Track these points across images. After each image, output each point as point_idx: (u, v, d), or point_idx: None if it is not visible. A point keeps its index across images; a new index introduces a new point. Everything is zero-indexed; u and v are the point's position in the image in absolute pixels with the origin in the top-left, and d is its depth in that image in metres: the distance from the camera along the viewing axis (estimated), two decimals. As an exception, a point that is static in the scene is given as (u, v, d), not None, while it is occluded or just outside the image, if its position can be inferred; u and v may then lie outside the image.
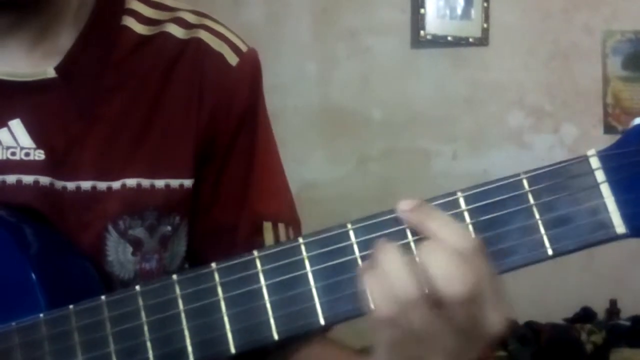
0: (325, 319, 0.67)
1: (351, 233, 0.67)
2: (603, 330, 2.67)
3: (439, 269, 0.62)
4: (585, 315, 2.83)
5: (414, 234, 0.67)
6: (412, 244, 0.66)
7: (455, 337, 0.64)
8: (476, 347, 0.65)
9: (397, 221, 0.67)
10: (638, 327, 2.71)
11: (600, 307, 2.86)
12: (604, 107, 2.95)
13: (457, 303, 0.62)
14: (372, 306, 0.65)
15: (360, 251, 0.67)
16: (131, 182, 0.88)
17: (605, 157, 0.65)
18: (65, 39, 0.89)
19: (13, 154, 0.85)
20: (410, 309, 0.63)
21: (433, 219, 0.65)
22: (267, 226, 0.94)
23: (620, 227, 0.64)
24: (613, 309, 2.84)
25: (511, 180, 0.66)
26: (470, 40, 2.93)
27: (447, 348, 0.64)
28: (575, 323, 2.77)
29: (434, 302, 0.63)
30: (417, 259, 0.64)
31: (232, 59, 0.94)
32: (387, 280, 0.64)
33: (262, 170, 0.96)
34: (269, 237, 0.94)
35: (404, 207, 0.67)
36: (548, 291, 2.88)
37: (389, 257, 0.65)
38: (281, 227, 0.95)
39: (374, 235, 0.67)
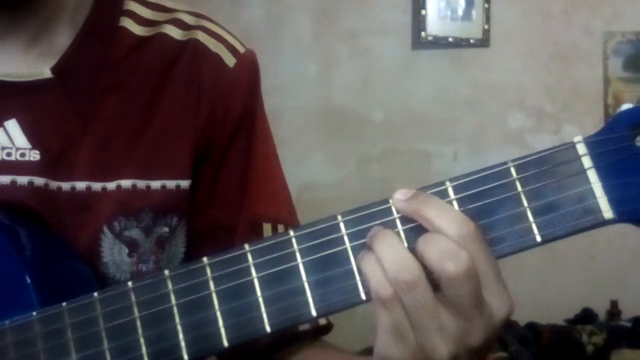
0: (317, 310, 0.67)
1: (341, 225, 0.67)
2: (604, 331, 2.67)
3: (435, 252, 0.63)
4: (586, 316, 2.83)
5: (403, 223, 0.66)
6: (402, 233, 0.66)
7: (455, 320, 0.63)
8: (479, 334, 0.64)
9: (386, 212, 0.67)
10: (639, 328, 2.71)
11: (601, 308, 2.86)
12: (604, 108, 2.95)
13: (453, 283, 0.62)
14: (370, 290, 0.65)
15: (350, 242, 0.67)
16: (126, 183, 0.88)
17: (592, 143, 0.65)
18: (61, 40, 0.89)
19: (9, 154, 0.85)
20: (407, 291, 0.63)
21: (429, 206, 0.65)
22: (267, 227, 0.94)
23: (607, 212, 0.64)
24: (614, 310, 2.84)
25: (499, 168, 0.66)
26: (471, 41, 2.93)
27: (447, 330, 0.64)
28: (576, 324, 2.77)
29: (433, 283, 0.63)
30: (415, 246, 0.64)
31: (230, 60, 0.94)
32: (383, 263, 0.64)
33: (260, 171, 0.96)
34: None
35: (399, 196, 0.66)
36: (549, 292, 2.88)
37: (384, 240, 0.65)
38: (281, 228, 0.94)
39: (363, 226, 0.67)
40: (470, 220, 0.64)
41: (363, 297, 0.66)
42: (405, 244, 0.65)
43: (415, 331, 0.64)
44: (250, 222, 0.94)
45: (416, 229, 0.66)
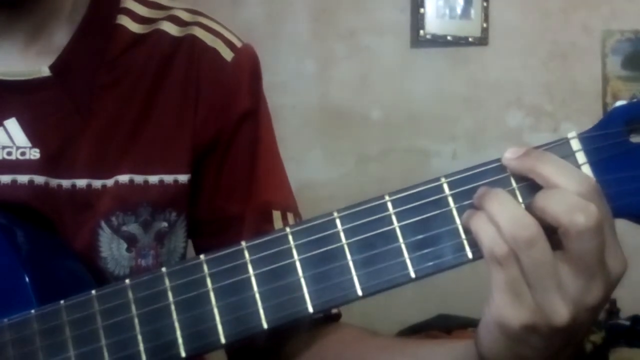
0: (313, 307, 0.67)
1: (337, 221, 0.67)
2: (602, 329, 2.66)
3: (562, 206, 0.61)
4: (585, 314, 2.82)
5: (517, 181, 0.65)
6: (517, 191, 0.65)
7: (576, 278, 0.61)
8: (598, 292, 0.62)
9: (382, 208, 0.67)
10: (637, 326, 2.71)
11: (599, 307, 2.85)
12: (603, 106, 2.95)
13: (583, 236, 0.60)
14: (482, 249, 0.63)
15: (346, 239, 0.67)
16: (124, 178, 0.88)
17: (586, 138, 0.66)
18: (59, 38, 0.90)
19: (9, 153, 0.85)
20: (526, 248, 0.61)
21: (545, 163, 0.64)
22: (277, 215, 0.94)
23: None
24: (612, 309, 2.83)
25: (493, 165, 0.67)
26: (470, 39, 2.93)
27: (567, 289, 0.62)
28: (574, 322, 2.76)
29: (556, 241, 0.62)
30: (534, 202, 0.62)
31: (227, 55, 0.95)
32: (498, 221, 0.62)
33: (267, 160, 0.97)
34: (279, 226, 0.93)
35: (509, 155, 0.65)
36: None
37: (496, 199, 0.63)
38: (290, 217, 0.95)
39: (359, 222, 0.67)
40: (590, 176, 0.63)
41: (359, 293, 0.66)
42: (521, 200, 0.64)
43: (534, 291, 0.62)
44: (259, 210, 0.94)
45: (528, 187, 0.65)
